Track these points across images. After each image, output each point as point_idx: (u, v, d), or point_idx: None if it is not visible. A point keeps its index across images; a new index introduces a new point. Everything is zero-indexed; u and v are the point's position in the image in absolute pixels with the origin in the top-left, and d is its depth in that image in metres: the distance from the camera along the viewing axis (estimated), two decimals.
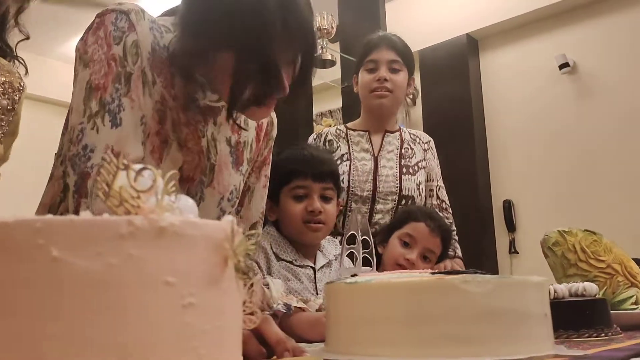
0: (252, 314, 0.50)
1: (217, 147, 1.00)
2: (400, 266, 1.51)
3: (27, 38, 1.11)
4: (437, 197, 1.92)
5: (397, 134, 1.93)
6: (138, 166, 0.46)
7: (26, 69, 1.11)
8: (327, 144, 1.87)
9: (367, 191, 1.79)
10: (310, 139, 1.92)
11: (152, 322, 0.38)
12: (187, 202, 0.49)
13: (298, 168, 1.38)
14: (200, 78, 0.92)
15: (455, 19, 4.11)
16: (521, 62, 4.02)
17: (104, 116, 0.83)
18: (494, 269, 3.80)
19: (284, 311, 0.95)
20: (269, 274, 1.26)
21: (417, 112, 4.31)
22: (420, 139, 1.98)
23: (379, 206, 1.79)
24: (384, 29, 3.03)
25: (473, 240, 3.54)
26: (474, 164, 4.00)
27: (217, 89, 0.92)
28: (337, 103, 3.67)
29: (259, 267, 1.28)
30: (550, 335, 0.68)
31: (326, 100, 4.15)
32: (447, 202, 1.95)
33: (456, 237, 1.86)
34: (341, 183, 1.76)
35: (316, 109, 4.20)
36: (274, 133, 1.18)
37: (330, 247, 1.45)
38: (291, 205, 1.37)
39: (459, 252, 1.85)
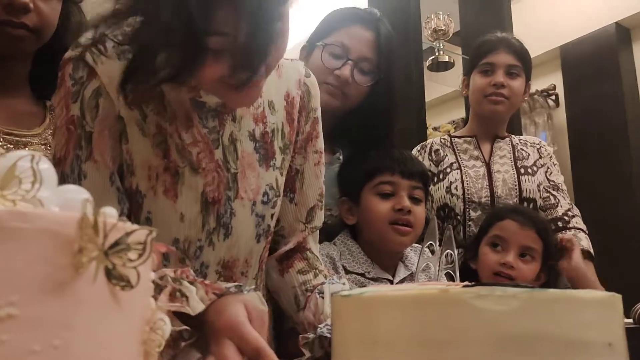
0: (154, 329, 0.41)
1: (238, 149, 0.90)
2: (498, 275, 1.32)
3: None
4: (547, 179, 1.73)
5: (507, 139, 1.80)
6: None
7: None
8: (433, 154, 1.77)
9: (485, 197, 1.67)
10: (414, 152, 1.81)
11: None
12: (78, 194, 0.40)
13: (385, 163, 1.25)
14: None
15: (600, 6, 3.67)
16: None
17: None
18: None
19: (328, 335, 0.83)
20: None
21: (561, 115, 3.91)
22: (531, 142, 1.84)
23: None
24: (510, 27, 2.79)
25: (633, 262, 3.09)
26: (631, 172, 3.51)
27: (196, 77, 0.76)
28: (460, 112, 3.45)
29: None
30: None
31: (450, 109, 3.92)
32: (559, 184, 1.74)
33: (581, 227, 1.65)
34: (455, 190, 1.64)
35: (439, 121, 4.00)
36: (314, 103, 1.02)
37: (417, 256, 1.30)
38: (376, 203, 1.23)
39: (585, 244, 1.61)
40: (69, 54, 0.82)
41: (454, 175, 1.70)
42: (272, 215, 0.95)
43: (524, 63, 1.73)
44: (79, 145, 0.80)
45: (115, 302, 0.36)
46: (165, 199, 0.84)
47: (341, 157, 1.33)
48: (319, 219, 1.04)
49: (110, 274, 0.36)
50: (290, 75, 0.98)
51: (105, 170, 0.81)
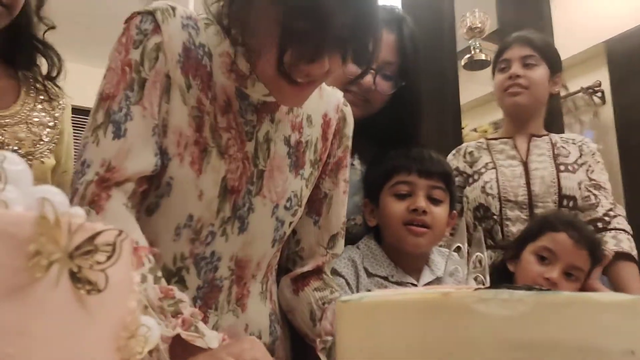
0: (131, 337, 0.39)
1: (271, 148, 0.90)
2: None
3: (53, 27, 1.11)
4: (588, 177, 1.64)
5: (546, 137, 1.73)
6: None
7: (59, 63, 1.12)
8: (467, 155, 1.74)
9: (522, 196, 1.61)
10: (450, 156, 1.78)
11: None
12: (52, 195, 0.39)
13: (401, 163, 1.20)
14: (242, 55, 0.83)
15: None
16: None
17: (107, 127, 0.78)
18: None
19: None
20: (358, 292, 1.11)
21: (607, 112, 3.76)
22: (573, 139, 1.75)
23: (538, 211, 1.59)
24: (549, 23, 2.71)
25: None
26: None
27: (260, 64, 0.81)
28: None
29: (347, 283, 1.13)
30: None
31: (491, 110, 3.82)
32: (601, 182, 1.65)
33: (623, 227, 1.56)
34: (490, 190, 1.60)
35: (480, 122, 3.92)
36: (348, 131, 1.03)
37: (443, 261, 1.25)
38: (392, 204, 1.18)
39: (626, 246, 1.51)
40: (139, 9, 0.84)
41: (489, 175, 1.66)
42: (290, 224, 0.94)
43: (542, 52, 1.69)
44: (130, 87, 0.80)
45: (81, 307, 0.34)
46: (190, 170, 0.83)
47: (355, 163, 1.29)
48: (340, 247, 1.03)
49: (75, 278, 0.34)
50: (330, 99, 1.01)
51: (151, 119, 0.81)
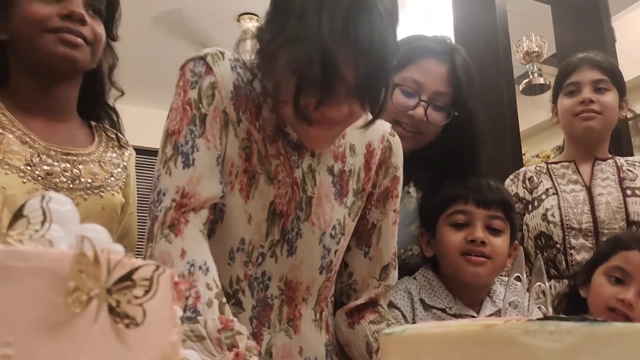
0: None
1: (316, 177, 0.93)
2: (612, 310, 1.19)
3: (122, 94, 1.18)
4: None
5: (610, 161, 1.66)
6: None
7: (116, 125, 1.19)
8: (527, 181, 1.68)
9: (586, 223, 1.55)
10: (508, 181, 1.73)
11: None
12: (97, 234, 0.40)
13: (458, 192, 1.19)
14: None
15: None
16: None
17: (177, 158, 0.84)
18: None
19: None
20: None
21: None
22: (639, 162, 1.68)
23: (604, 239, 1.51)
24: (612, 45, 2.63)
25: None
26: None
27: (284, 111, 0.86)
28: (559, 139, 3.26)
29: (403, 315, 1.11)
30: None
31: (554, 135, 3.71)
32: None
33: None
34: (551, 217, 1.54)
35: (542, 148, 3.81)
36: (396, 160, 1.03)
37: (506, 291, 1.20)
38: (448, 234, 1.17)
39: None
40: (191, 56, 0.91)
41: (550, 202, 1.60)
42: (335, 252, 0.96)
43: (612, 77, 1.63)
44: (193, 123, 0.86)
45: (120, 341, 0.35)
46: (239, 197, 0.88)
47: (411, 191, 1.28)
48: (393, 278, 1.03)
49: (114, 312, 0.35)
50: (376, 129, 1.01)
51: (214, 150, 0.86)
